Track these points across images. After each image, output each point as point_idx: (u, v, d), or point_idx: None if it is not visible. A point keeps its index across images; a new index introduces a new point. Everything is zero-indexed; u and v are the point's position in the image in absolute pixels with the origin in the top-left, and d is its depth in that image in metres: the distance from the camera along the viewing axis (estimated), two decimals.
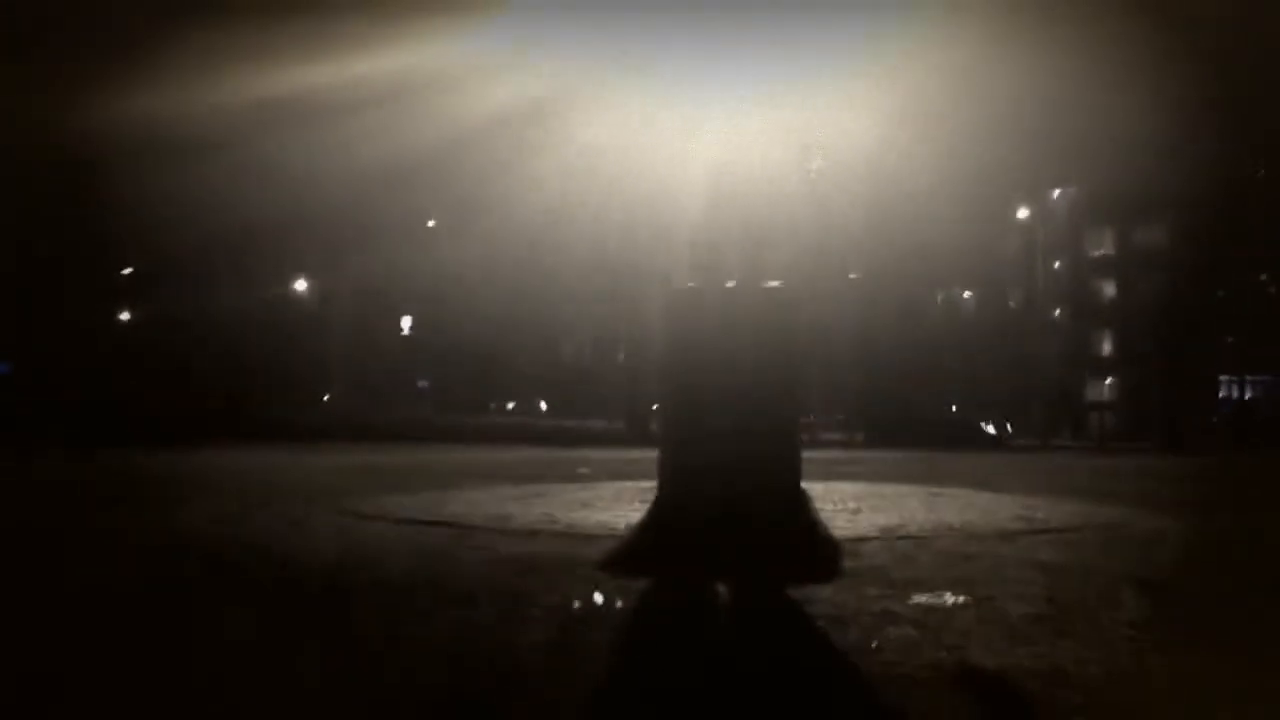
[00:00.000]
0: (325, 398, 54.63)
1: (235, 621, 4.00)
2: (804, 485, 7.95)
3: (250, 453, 16.60)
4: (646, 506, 7.08)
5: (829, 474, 10.83)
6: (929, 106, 25.48)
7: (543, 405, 60.44)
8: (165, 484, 11.01)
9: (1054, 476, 13.03)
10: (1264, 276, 49.79)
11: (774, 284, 7.54)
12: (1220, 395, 52.12)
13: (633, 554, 5.87)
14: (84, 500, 9.37)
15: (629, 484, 9.39)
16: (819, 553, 5.80)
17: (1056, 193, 56.60)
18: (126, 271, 48.84)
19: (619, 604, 4.35)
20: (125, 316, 49.84)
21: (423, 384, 66.33)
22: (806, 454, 7.22)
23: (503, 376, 61.94)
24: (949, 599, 4.19)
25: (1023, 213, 53.49)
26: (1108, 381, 57.07)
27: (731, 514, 6.50)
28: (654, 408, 24.16)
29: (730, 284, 7.42)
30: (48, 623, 4.03)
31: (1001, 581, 4.66)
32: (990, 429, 38.83)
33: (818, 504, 7.54)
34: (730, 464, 7.13)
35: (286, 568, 5.38)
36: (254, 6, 21.19)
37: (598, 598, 4.42)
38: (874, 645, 3.46)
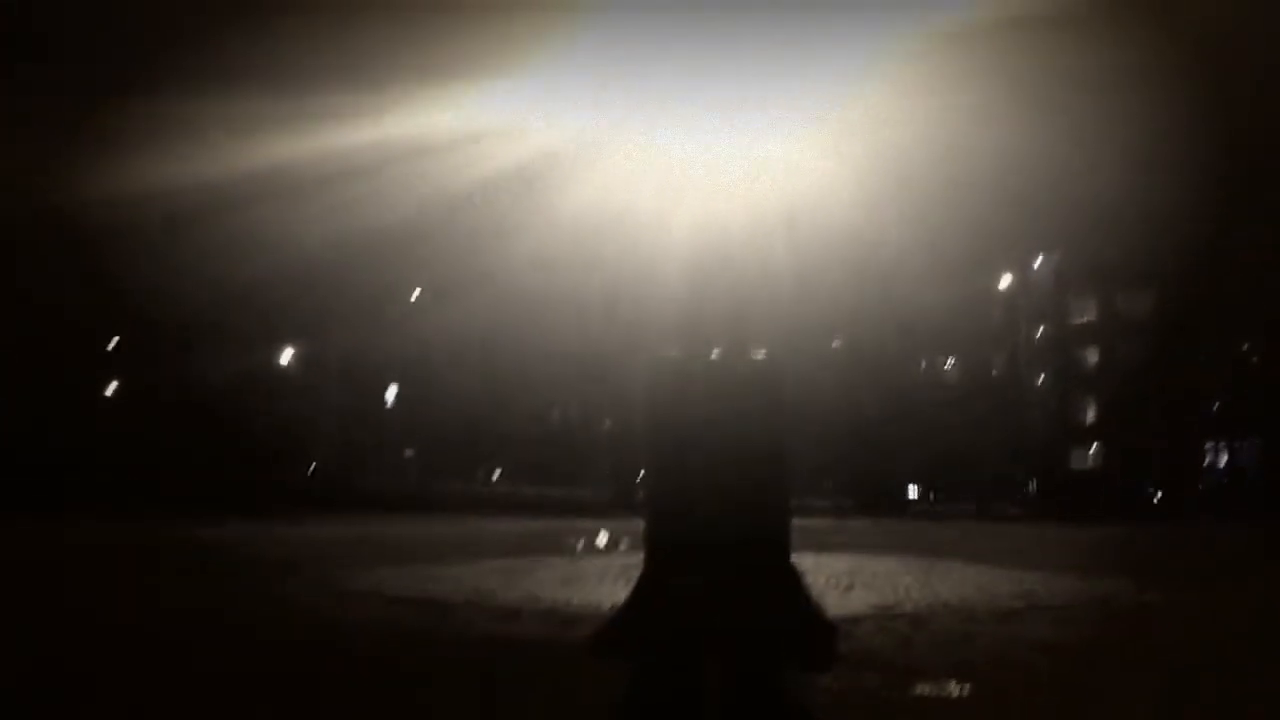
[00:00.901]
0: (311, 467, 54.09)
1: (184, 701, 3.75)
2: (793, 559, 7.74)
3: (236, 526, 16.24)
4: (631, 584, 6.85)
5: (819, 545, 10.59)
6: (909, 174, 25.68)
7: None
8: (133, 559, 10.69)
9: (1044, 549, 12.81)
10: (1246, 345, 50.06)
11: (759, 354, 7.41)
12: (1207, 461, 52.10)
13: (617, 637, 5.63)
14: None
15: (615, 558, 9.16)
16: (812, 635, 5.58)
17: (1039, 260, 57.03)
18: (113, 342, 48.70)
19: (603, 694, 4.12)
20: (112, 387, 49.68)
21: (409, 453, 65.89)
22: (794, 523, 7.02)
23: (488, 445, 61.55)
24: (953, 689, 3.98)
25: (1005, 280, 53.82)
26: (1091, 449, 57.04)
27: (720, 592, 6.28)
28: (639, 477, 23.90)
29: (715, 354, 7.29)
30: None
31: (1006, 667, 4.45)
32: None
33: (808, 579, 7.32)
34: (717, 538, 6.93)
35: (247, 650, 5.12)
36: (237, 79, 21.28)
37: (580, 687, 4.20)
38: None
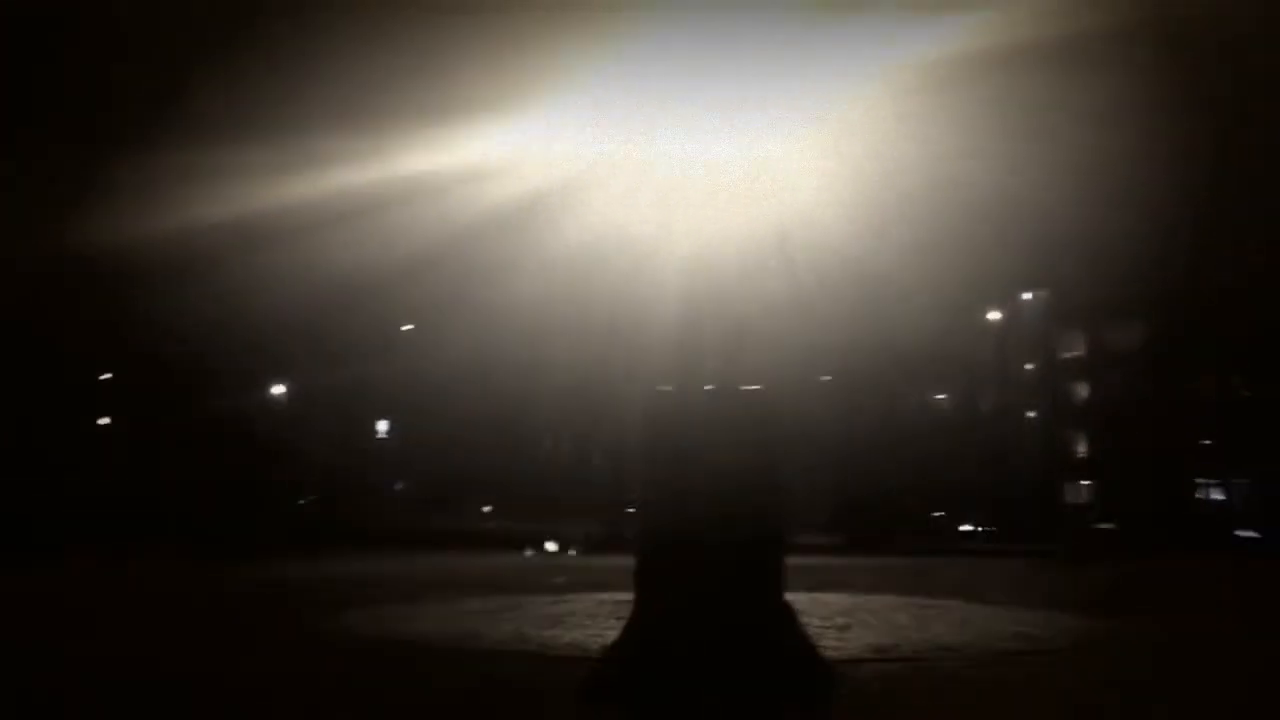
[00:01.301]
0: (300, 502, 53.71)
1: None
2: (788, 597, 7.57)
3: (219, 564, 16.00)
4: (622, 624, 6.67)
5: (814, 583, 10.41)
6: (899, 208, 25.69)
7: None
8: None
9: (1041, 586, 12.65)
10: (1236, 379, 50.09)
11: (754, 387, 7.28)
12: (1197, 497, 52.04)
13: (607, 681, 5.45)
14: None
15: (605, 595, 8.95)
16: (810, 679, 5.40)
17: (1028, 295, 57.22)
18: (104, 377, 48.60)
19: None
20: (103, 422, 49.57)
21: (399, 486, 65.80)
22: (787, 559, 6.86)
23: (479, 480, 61.30)
24: None
25: (994, 315, 53.99)
26: (1083, 483, 56.93)
27: (713, 633, 6.11)
28: (631, 511, 23.67)
29: (709, 387, 7.16)
30: None
31: (1008, 713, 4.28)
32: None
33: (804, 619, 7.14)
34: (710, 575, 6.76)
35: (223, 694, 4.92)
36: (227, 123, 21.29)
37: None
38: None
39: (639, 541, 7.10)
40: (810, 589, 9.64)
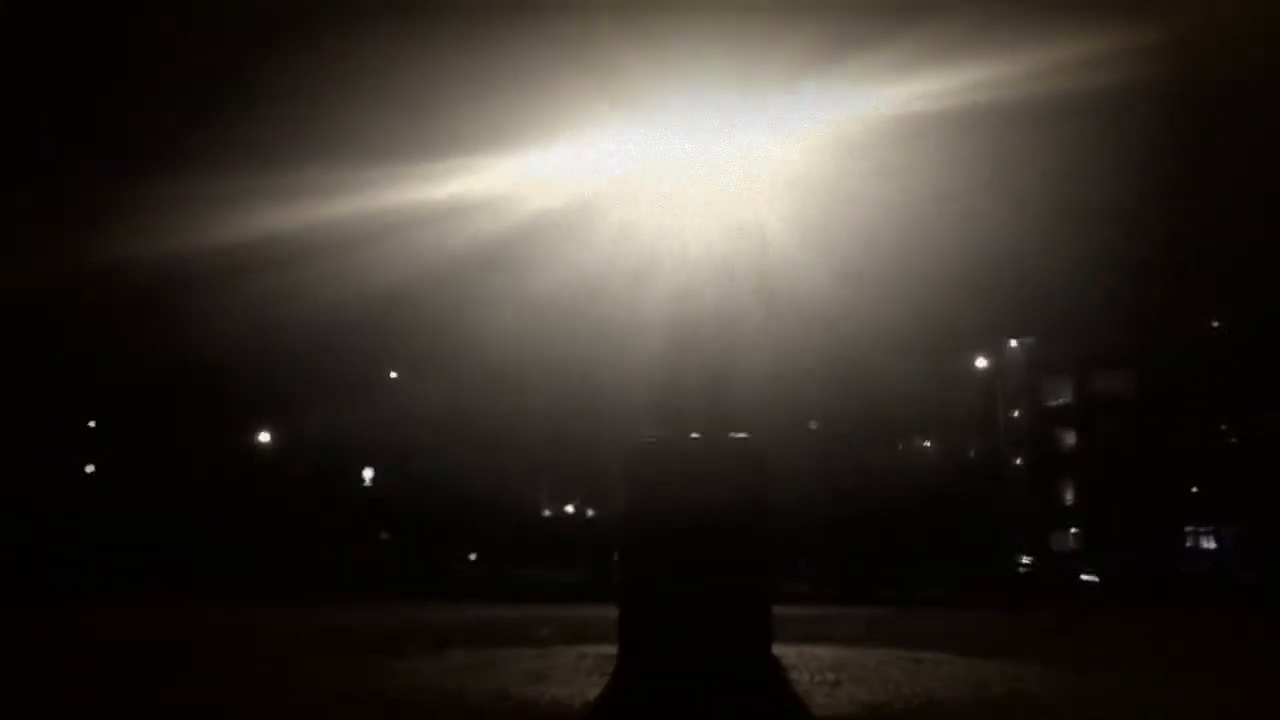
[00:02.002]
0: (285, 549, 53.14)
1: None
2: (775, 650, 7.39)
3: (198, 609, 15.68)
4: (606, 680, 6.47)
5: (801, 634, 10.19)
6: (884, 257, 25.79)
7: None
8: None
9: (1032, 639, 12.44)
10: (1224, 426, 50.21)
11: (740, 435, 7.15)
12: (1188, 545, 51.93)
13: None
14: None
15: (589, 649, 8.73)
16: None
17: (1014, 343, 57.42)
18: (91, 424, 48.36)
19: None
20: (89, 469, 49.31)
21: (385, 535, 65.52)
22: (774, 611, 6.69)
23: (464, 527, 60.87)
24: None
25: (981, 362, 54.11)
26: (1071, 531, 56.77)
27: (698, 689, 5.93)
28: (615, 558, 23.40)
29: (693, 436, 7.03)
30: None
31: None
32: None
33: (792, 674, 6.96)
34: (696, 629, 6.59)
35: None
36: (212, 156, 21.27)
37: None
38: None
39: (622, 593, 6.94)
40: (798, 640, 9.43)
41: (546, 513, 60.78)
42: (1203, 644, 12.28)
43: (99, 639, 11.41)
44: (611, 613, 7.36)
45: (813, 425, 47.99)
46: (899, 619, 15.52)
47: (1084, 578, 43.98)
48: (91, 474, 49.09)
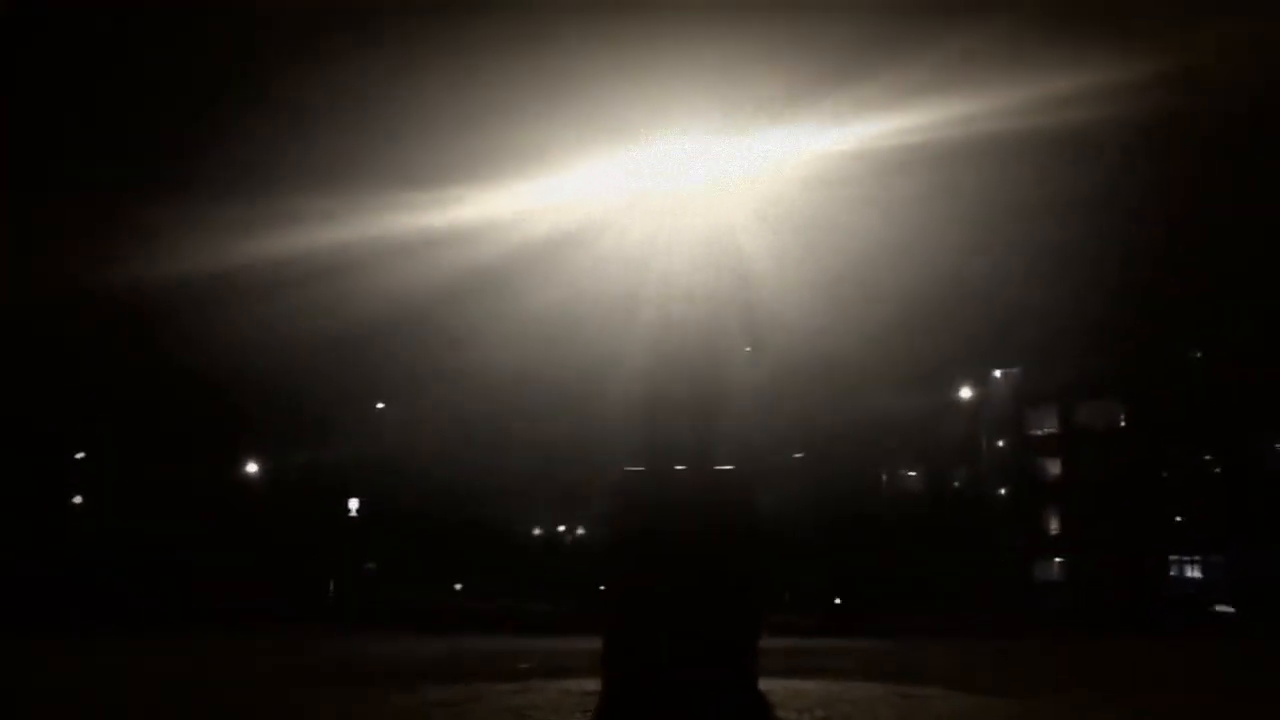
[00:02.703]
0: (267, 581, 52.69)
1: None
2: (762, 685, 7.24)
3: (173, 644, 15.41)
4: (589, 718, 6.31)
5: (788, 668, 10.04)
6: (868, 289, 25.84)
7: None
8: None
9: (1020, 669, 12.31)
10: (1208, 456, 50.36)
11: (727, 468, 7.04)
12: (1171, 574, 51.97)
13: None
14: None
15: (571, 684, 8.55)
16: None
17: (998, 373, 57.59)
18: (78, 456, 48.05)
19: None
20: (77, 500, 49.02)
21: (370, 566, 65.38)
22: (761, 642, 6.55)
23: (450, 556, 60.62)
24: None
25: (965, 392, 54.24)
26: (1056, 560, 56.72)
27: None
28: (601, 589, 23.19)
29: (680, 467, 6.91)
30: None
31: None
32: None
33: (779, 712, 6.80)
34: (680, 664, 6.45)
35: None
36: (197, 184, 21.21)
37: None
38: None
39: (607, 626, 6.80)
40: (784, 674, 9.28)
41: (537, 530, 60.47)
42: (1194, 673, 12.16)
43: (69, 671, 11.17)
44: (594, 644, 7.20)
45: (798, 455, 47.94)
46: (888, 651, 15.36)
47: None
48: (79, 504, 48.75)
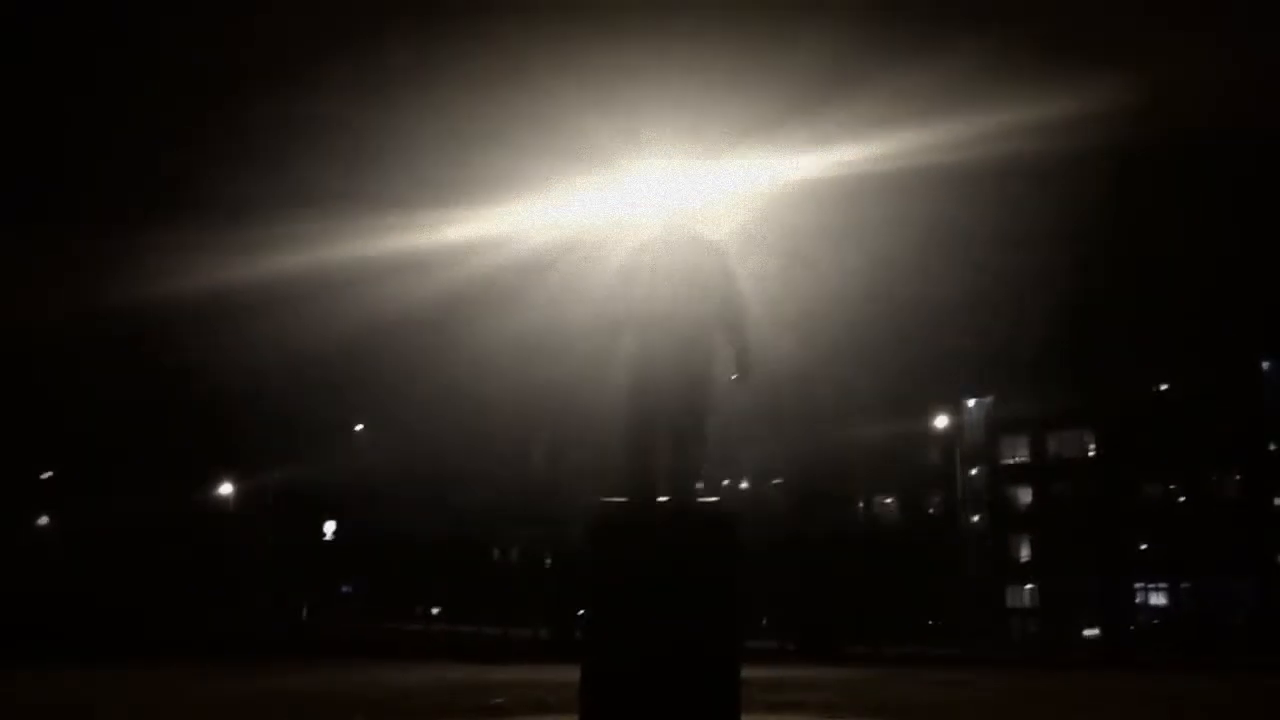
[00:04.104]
0: (244, 606, 52.14)
1: None
2: None
3: (147, 674, 15.11)
4: None
5: (769, 703, 9.94)
6: (842, 315, 25.96)
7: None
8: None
9: (1005, 702, 12.27)
10: (1173, 485, 50.84)
11: (710, 499, 6.98)
12: (1137, 601, 52.38)
13: None
14: None
15: (547, 719, 8.44)
16: None
17: (971, 402, 57.98)
18: (45, 475, 47.42)
19: None
20: (43, 521, 48.34)
21: (346, 589, 64.98)
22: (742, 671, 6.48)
23: (428, 581, 60.29)
24: None
25: (940, 422, 54.58)
26: (1027, 587, 56.96)
27: None
28: (578, 617, 22.99)
29: (660, 497, 6.84)
30: None
31: None
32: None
33: None
34: (661, 699, 6.36)
35: None
36: (178, 208, 21.09)
37: None
38: None
39: (584, 661, 6.70)
40: (764, 709, 9.20)
41: (516, 552, 60.07)
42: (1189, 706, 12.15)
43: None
44: (574, 675, 7.10)
45: (777, 481, 47.94)
46: (866, 682, 15.26)
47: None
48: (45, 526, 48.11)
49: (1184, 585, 50.39)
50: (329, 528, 65.09)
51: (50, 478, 47.92)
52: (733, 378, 6.95)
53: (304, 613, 52.26)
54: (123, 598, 35.47)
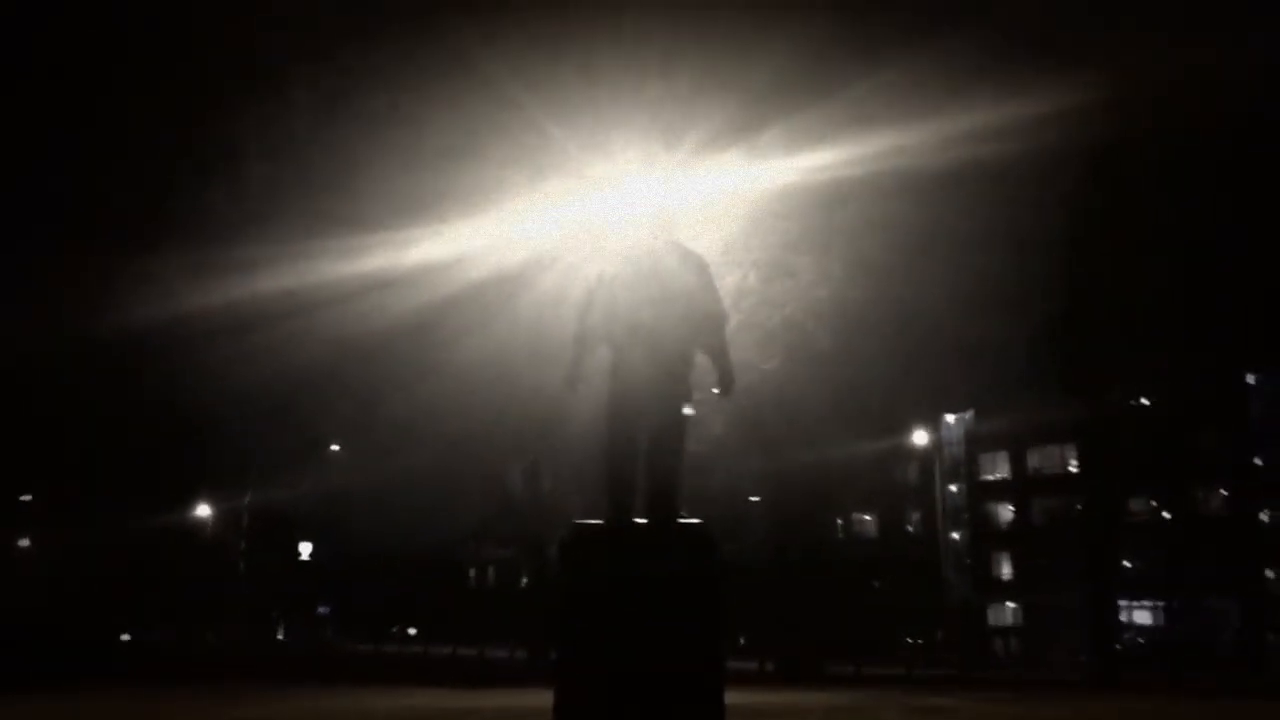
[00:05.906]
0: (219, 627, 51.56)
1: None
2: None
3: (124, 698, 14.70)
4: None
5: None
6: (813, 324, 25.76)
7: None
8: None
9: None
10: (1153, 502, 50.87)
11: (691, 520, 6.75)
12: (1122, 619, 52.31)
13: None
14: None
15: None
16: None
17: (951, 418, 57.96)
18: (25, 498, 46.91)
19: None
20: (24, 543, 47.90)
21: (323, 610, 64.57)
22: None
23: (404, 601, 59.88)
24: None
25: (920, 438, 54.58)
26: (1008, 604, 56.87)
27: None
28: (553, 638, 22.67)
29: (637, 518, 6.61)
30: None
31: None
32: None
33: None
34: None
35: None
36: (143, 233, 20.83)
37: None
38: None
39: (558, 688, 6.45)
40: None
41: (492, 572, 59.65)
42: None
43: None
44: (548, 701, 6.84)
45: (754, 499, 47.73)
46: (850, 708, 14.99)
47: None
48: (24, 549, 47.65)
49: (1169, 604, 50.35)
50: (305, 549, 64.67)
51: (29, 500, 47.53)
52: (714, 391, 6.74)
53: (280, 633, 51.73)
54: (97, 620, 35.07)
